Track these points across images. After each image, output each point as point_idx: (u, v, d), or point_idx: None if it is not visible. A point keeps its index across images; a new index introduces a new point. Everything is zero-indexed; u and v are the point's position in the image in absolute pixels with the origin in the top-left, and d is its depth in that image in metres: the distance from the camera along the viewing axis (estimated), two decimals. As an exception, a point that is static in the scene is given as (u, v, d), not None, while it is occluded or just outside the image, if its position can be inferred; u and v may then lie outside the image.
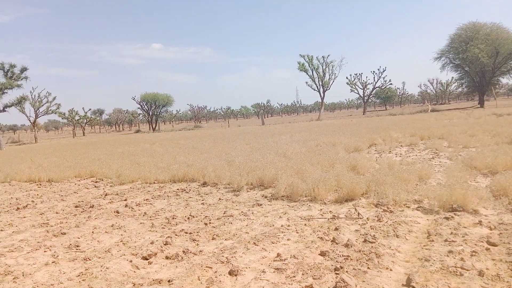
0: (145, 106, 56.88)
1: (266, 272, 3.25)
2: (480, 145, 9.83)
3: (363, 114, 52.54)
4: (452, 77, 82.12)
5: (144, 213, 5.67)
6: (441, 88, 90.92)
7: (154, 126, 56.80)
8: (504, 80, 50.74)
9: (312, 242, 3.90)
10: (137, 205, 6.24)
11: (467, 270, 3.00)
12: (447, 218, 4.35)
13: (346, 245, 3.71)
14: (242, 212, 5.29)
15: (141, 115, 77.29)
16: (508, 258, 3.18)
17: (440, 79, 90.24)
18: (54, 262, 3.84)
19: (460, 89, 65.98)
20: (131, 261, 3.71)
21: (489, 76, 42.86)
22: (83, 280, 3.33)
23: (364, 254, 3.46)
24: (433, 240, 3.72)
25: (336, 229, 4.24)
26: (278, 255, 3.58)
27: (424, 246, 3.61)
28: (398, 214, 4.67)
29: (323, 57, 49.68)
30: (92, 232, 4.86)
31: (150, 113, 57.15)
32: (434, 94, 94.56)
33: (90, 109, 66.33)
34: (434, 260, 3.22)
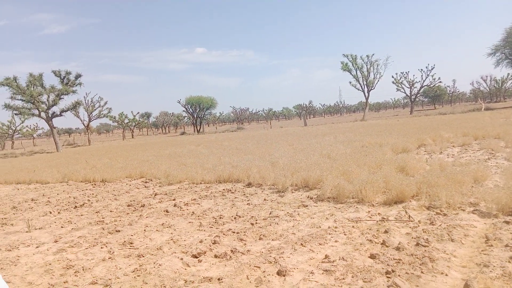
0: (190, 109, 58.47)
1: (314, 273, 3.24)
2: (542, 145, 9.15)
3: (410, 113, 50.60)
4: (508, 74, 77.14)
5: (192, 212, 5.83)
6: (495, 85, 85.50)
7: (198, 128, 58.20)
8: None
9: (361, 244, 3.83)
10: (185, 204, 6.43)
11: (532, 277, 2.81)
12: (507, 222, 4.10)
13: (397, 248, 3.60)
14: (287, 213, 5.29)
15: (186, 118, 79.61)
16: None
17: (494, 76, 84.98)
18: (110, 258, 4.05)
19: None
20: (181, 258, 3.84)
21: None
22: (138, 275, 3.48)
23: (417, 258, 3.34)
24: (492, 245, 3.52)
25: (385, 231, 4.13)
26: (326, 256, 3.55)
27: (482, 251, 3.43)
28: (453, 218, 4.46)
29: (367, 56, 48.48)
30: (144, 230, 5.06)
31: (195, 116, 58.67)
32: (488, 92, 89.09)
33: (138, 113, 69.06)
34: (494, 266, 3.05)
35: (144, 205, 6.70)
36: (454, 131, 14.08)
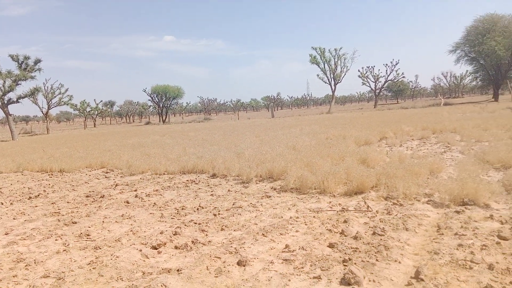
0: (156, 98, 57.24)
1: (274, 263, 3.26)
2: (493, 139, 9.66)
3: (374, 107, 52.02)
4: (467, 70, 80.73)
5: (154, 203, 5.72)
6: (454, 81, 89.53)
7: (164, 118, 57.14)
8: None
9: (320, 234, 3.90)
10: (147, 195, 6.30)
11: (477, 263, 2.97)
12: (457, 212, 4.30)
13: (355, 238, 3.69)
14: (251, 203, 5.30)
15: (151, 107, 77.85)
16: (520, 253, 3.13)
17: (454, 73, 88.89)
18: (65, 250, 3.90)
19: (474, 83, 64.78)
20: (140, 250, 3.76)
21: (505, 69, 42.01)
22: (93, 268, 3.38)
23: (373, 246, 3.45)
24: (443, 234, 3.68)
25: (345, 221, 4.23)
26: (287, 246, 3.59)
27: (433, 239, 3.58)
28: (408, 208, 4.63)
29: (335, 49, 49.21)
30: (103, 221, 4.92)
31: (161, 105, 57.50)
32: (448, 88, 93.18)
33: (101, 101, 67.01)
34: (444, 253, 3.19)
35: (103, 196, 6.51)
36: (414, 125, 14.60)
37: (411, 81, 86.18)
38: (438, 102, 43.16)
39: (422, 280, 2.76)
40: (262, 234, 3.99)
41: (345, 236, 3.78)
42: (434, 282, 2.72)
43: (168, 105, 58.06)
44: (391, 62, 55.26)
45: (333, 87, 50.44)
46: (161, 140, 16.74)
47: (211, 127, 27.29)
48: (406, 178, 5.55)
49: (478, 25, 41.77)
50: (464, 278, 2.78)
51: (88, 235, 4.37)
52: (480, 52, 40.43)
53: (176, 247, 3.80)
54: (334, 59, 49.31)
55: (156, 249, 3.79)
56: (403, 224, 4.02)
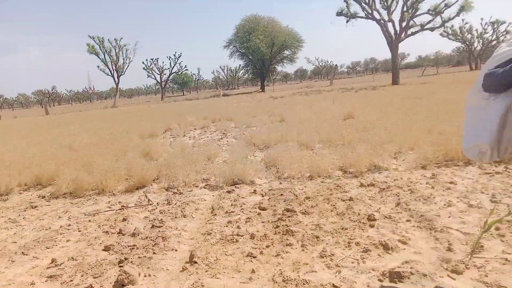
0: None
1: (36, 283, 2.80)
2: (259, 124, 11.21)
3: (161, 100, 52.73)
4: (240, 65, 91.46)
5: None
6: (231, 74, 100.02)
7: None
8: (279, 67, 59.99)
9: (95, 238, 3.59)
10: None
11: (242, 235, 3.33)
12: (229, 192, 4.75)
13: (133, 234, 3.57)
14: (9, 219, 4.43)
15: None
16: (273, 219, 3.69)
17: (230, 66, 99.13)
18: None
19: (246, 76, 73.99)
20: None
21: (268, 64, 49.64)
22: None
23: (151, 240, 3.40)
24: (216, 214, 3.98)
25: (124, 219, 4.04)
26: (53, 260, 3.14)
27: (208, 221, 3.82)
28: (187, 195, 4.82)
29: (115, 39, 47.05)
30: None
31: None
32: (226, 80, 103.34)
33: None
34: (215, 233, 3.44)
35: None
36: (196, 115, 15.48)
37: (194, 74, 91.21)
38: (218, 94, 47.32)
39: (195, 262, 2.88)
40: (22, 252, 3.37)
41: (123, 235, 3.61)
42: (206, 262, 2.88)
43: None
44: (174, 54, 56.98)
45: (116, 80, 48.28)
46: None
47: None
48: (185, 167, 5.76)
49: (245, 24, 47.71)
50: (231, 251, 3.06)
51: None
52: (248, 48, 46.44)
53: None
54: (115, 49, 47.18)
55: None
56: (182, 211, 4.15)
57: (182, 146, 7.88)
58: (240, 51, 50.41)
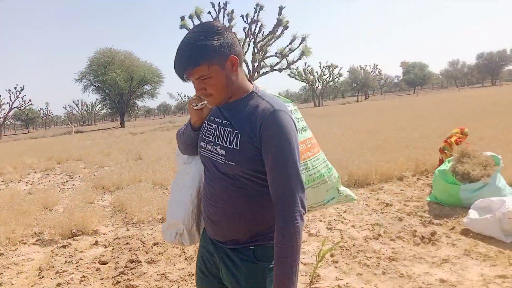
0: None
1: None
2: (113, 163, 10.42)
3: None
4: (96, 99, 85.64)
5: None
6: (86, 109, 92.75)
7: None
8: (140, 103, 58.13)
9: None
10: None
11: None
12: (64, 246, 4.12)
13: None
14: None
15: None
16: (114, 273, 3.30)
17: (85, 101, 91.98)
18: None
19: (104, 110, 69.52)
20: None
21: (127, 98, 47.61)
22: None
23: None
24: (43, 276, 3.37)
25: None
26: None
27: (32, 286, 3.20)
28: (10, 255, 4.01)
29: None
30: None
31: None
32: (80, 115, 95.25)
33: None
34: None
35: None
36: (39, 155, 13.63)
37: (42, 109, 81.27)
38: (70, 130, 43.04)
39: None
40: None
41: None
42: None
43: None
44: (15, 88, 49.96)
45: None
46: None
47: None
48: (12, 220, 4.85)
49: (99, 56, 45.12)
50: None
51: None
52: (104, 82, 43.86)
53: None
54: None
55: None
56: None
57: (12, 194, 6.71)
58: (95, 85, 47.20)
